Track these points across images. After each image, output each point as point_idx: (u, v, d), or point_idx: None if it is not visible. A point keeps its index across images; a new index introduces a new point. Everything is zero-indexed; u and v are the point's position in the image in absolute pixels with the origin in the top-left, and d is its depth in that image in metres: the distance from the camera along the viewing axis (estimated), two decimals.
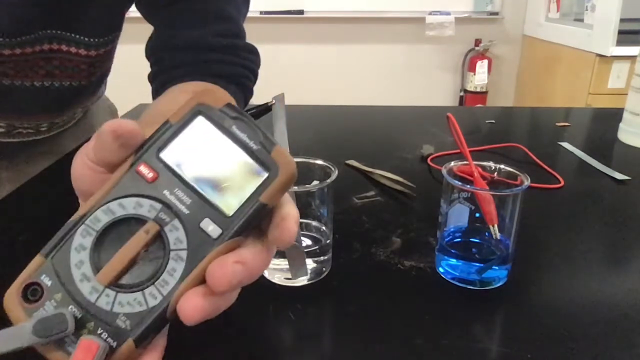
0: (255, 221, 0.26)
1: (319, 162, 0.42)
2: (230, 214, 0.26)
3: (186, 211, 0.26)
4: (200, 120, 0.27)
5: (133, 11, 0.63)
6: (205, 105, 0.27)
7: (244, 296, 0.39)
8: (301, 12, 2.79)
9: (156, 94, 0.62)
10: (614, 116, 0.82)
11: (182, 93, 0.58)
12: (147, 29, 0.65)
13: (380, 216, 0.51)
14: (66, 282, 0.25)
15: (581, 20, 2.36)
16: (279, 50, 2.91)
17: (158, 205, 0.26)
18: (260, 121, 0.67)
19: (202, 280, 0.25)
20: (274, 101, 0.48)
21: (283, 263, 0.39)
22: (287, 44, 2.91)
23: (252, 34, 0.69)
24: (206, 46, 0.62)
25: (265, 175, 0.26)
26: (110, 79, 0.76)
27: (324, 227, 0.42)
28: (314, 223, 0.42)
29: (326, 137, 0.80)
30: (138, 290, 0.25)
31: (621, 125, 0.77)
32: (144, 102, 0.81)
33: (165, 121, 0.27)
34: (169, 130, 0.27)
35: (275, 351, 0.33)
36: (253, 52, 0.66)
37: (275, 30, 2.87)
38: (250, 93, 0.67)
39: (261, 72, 0.70)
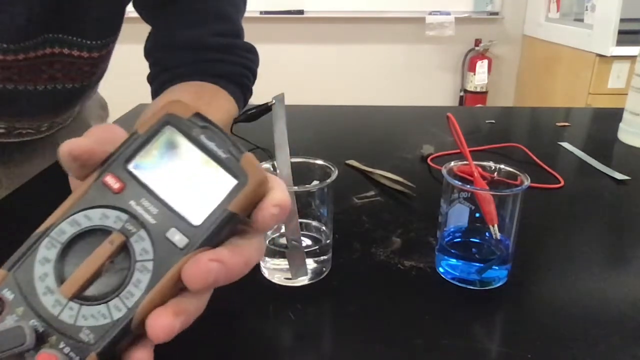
0: (225, 231, 0.26)
1: (319, 162, 0.42)
2: (198, 224, 0.25)
3: (152, 221, 0.26)
4: (168, 130, 0.27)
5: (132, 11, 0.63)
6: (174, 115, 0.27)
7: (244, 296, 0.39)
8: (301, 12, 2.79)
9: (156, 94, 0.62)
10: (614, 116, 0.82)
11: (182, 92, 0.58)
12: (146, 29, 0.65)
13: (380, 216, 0.51)
14: (29, 295, 0.24)
15: (581, 20, 2.36)
16: (279, 50, 2.91)
17: (124, 216, 0.26)
18: (260, 121, 0.67)
19: (168, 291, 0.25)
20: (274, 101, 0.48)
21: (283, 263, 0.39)
22: (287, 44, 2.91)
23: (252, 34, 0.70)
24: (205, 46, 0.62)
25: (234, 183, 0.26)
26: (110, 79, 0.76)
27: (324, 227, 0.42)
28: (314, 223, 0.42)
29: (326, 137, 0.80)
30: (102, 303, 0.24)
31: (621, 125, 0.77)
32: (143, 102, 0.81)
33: (134, 132, 0.27)
34: (137, 141, 0.27)
35: (275, 351, 0.33)
36: (252, 52, 0.66)
37: (275, 30, 2.87)
38: (249, 92, 0.67)
39: (261, 72, 0.70)
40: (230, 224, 0.26)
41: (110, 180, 0.26)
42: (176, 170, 0.26)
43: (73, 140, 0.26)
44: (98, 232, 0.25)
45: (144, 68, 0.65)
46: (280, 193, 0.27)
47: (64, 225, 0.26)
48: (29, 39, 0.50)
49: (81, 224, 0.26)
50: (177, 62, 0.62)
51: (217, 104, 0.59)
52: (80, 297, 0.24)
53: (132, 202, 0.26)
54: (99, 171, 0.26)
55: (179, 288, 0.25)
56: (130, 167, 0.26)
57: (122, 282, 0.25)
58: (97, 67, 0.61)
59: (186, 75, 0.61)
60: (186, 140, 0.27)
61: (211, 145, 0.26)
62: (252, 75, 0.67)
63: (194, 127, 0.27)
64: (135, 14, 0.63)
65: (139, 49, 0.65)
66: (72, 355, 0.23)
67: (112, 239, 0.25)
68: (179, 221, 0.25)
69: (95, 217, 0.26)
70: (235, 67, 0.64)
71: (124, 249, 0.25)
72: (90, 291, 0.25)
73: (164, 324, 0.24)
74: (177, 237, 0.25)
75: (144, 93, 0.67)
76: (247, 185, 0.26)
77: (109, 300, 0.24)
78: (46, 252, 0.25)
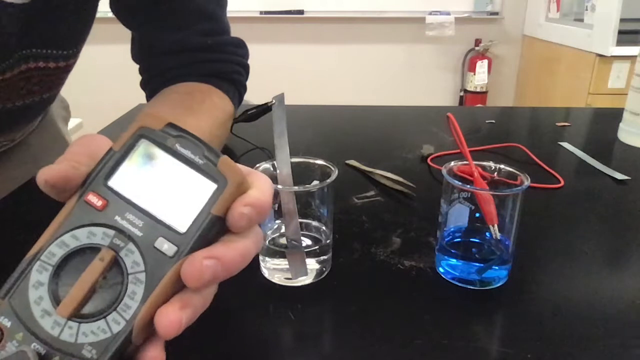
0: (211, 234, 0.26)
1: (319, 162, 0.42)
2: (184, 231, 0.26)
3: (139, 233, 0.26)
4: (143, 143, 0.28)
5: None
6: (147, 128, 0.27)
7: (244, 296, 0.39)
8: (301, 12, 2.79)
9: (149, 100, 0.61)
10: (614, 116, 0.82)
11: (174, 95, 0.58)
12: None
13: (380, 216, 0.51)
14: (26, 320, 0.25)
15: (581, 20, 2.36)
16: (279, 50, 2.91)
17: (111, 232, 0.26)
18: (260, 121, 0.67)
19: (163, 299, 0.26)
20: (274, 101, 0.48)
21: (283, 263, 0.39)
22: (287, 44, 2.91)
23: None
24: (192, 48, 0.61)
25: (214, 187, 0.26)
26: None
27: (324, 227, 0.42)
28: (314, 223, 0.42)
29: (326, 137, 0.80)
30: (101, 318, 0.25)
31: (621, 125, 0.77)
32: (142, 102, 0.81)
33: (109, 149, 0.27)
34: (114, 157, 0.27)
35: (275, 351, 0.33)
36: (241, 46, 0.66)
37: (275, 30, 2.87)
38: (244, 88, 0.67)
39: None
40: (216, 227, 0.26)
41: (92, 198, 0.27)
42: (156, 181, 0.27)
43: (47, 168, 0.26)
44: (87, 250, 0.26)
45: None
46: (255, 192, 0.27)
47: (52, 247, 0.26)
48: (5, 59, 0.48)
49: (69, 245, 0.26)
50: (166, 66, 0.61)
51: (211, 102, 0.58)
52: (77, 315, 0.25)
53: (117, 217, 0.27)
54: (80, 191, 0.27)
55: (174, 294, 0.26)
56: (110, 183, 0.27)
57: (117, 296, 0.25)
58: (69, 73, 0.59)
59: (177, 78, 0.60)
60: (162, 151, 0.27)
61: (187, 152, 0.27)
62: (245, 70, 0.66)
63: (168, 137, 0.27)
64: None
65: None
66: None
67: (102, 256, 0.26)
68: (166, 230, 0.26)
69: (82, 237, 0.26)
70: (226, 65, 0.64)
71: (115, 263, 0.26)
72: (87, 309, 0.25)
73: (172, 318, 0.25)
74: (166, 246, 0.26)
75: (143, 92, 0.67)
76: (227, 187, 0.26)
77: (106, 315, 0.25)
78: (38, 276, 0.26)
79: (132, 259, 0.26)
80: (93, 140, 0.29)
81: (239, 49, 0.65)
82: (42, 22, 0.48)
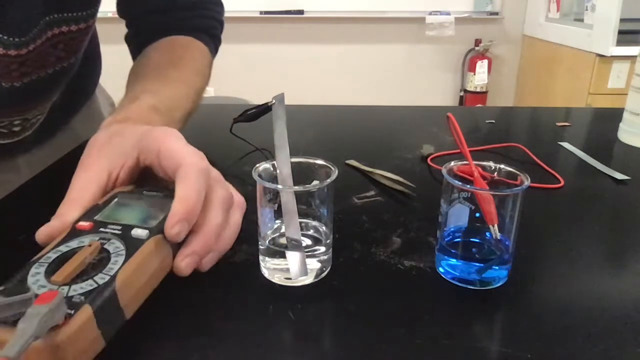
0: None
1: (319, 162, 0.42)
2: (153, 225, 0.35)
3: (120, 232, 0.35)
4: (119, 195, 0.39)
5: None
6: (120, 190, 0.40)
7: (244, 296, 0.39)
8: (301, 12, 2.79)
9: (133, 56, 0.68)
10: (614, 116, 0.82)
11: (155, 51, 0.63)
12: None
13: (380, 216, 0.51)
14: (23, 292, 0.29)
15: (581, 20, 2.37)
16: (279, 50, 2.91)
17: (97, 236, 0.34)
18: (260, 121, 0.67)
19: (143, 260, 0.33)
20: (274, 101, 0.48)
21: (283, 263, 0.39)
22: (287, 44, 2.91)
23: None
24: (176, 5, 0.67)
25: (170, 201, 0.36)
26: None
27: (324, 227, 0.42)
28: (314, 223, 0.42)
29: (326, 137, 0.80)
30: (89, 279, 0.30)
31: (621, 125, 0.77)
32: None
33: (95, 204, 0.38)
34: (97, 206, 0.38)
35: (275, 351, 0.33)
36: (218, 4, 0.73)
37: (275, 30, 2.87)
38: (219, 41, 0.74)
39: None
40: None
41: (81, 224, 0.35)
42: (129, 209, 0.38)
43: (43, 228, 0.36)
44: (78, 250, 0.33)
45: None
46: (176, 205, 0.36)
47: (49, 254, 0.33)
48: (34, 26, 0.51)
49: (63, 250, 0.33)
50: (152, 23, 0.67)
51: (191, 54, 0.65)
52: (68, 283, 0.30)
53: (101, 229, 0.35)
54: (72, 225, 0.36)
55: (155, 258, 0.34)
56: (95, 217, 0.36)
57: (103, 266, 0.31)
58: (88, 35, 0.63)
59: (162, 33, 0.66)
60: (134, 194, 0.40)
61: (151, 190, 0.40)
62: (220, 25, 0.74)
63: (137, 188, 0.41)
64: None
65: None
66: (68, 311, 0.28)
67: (90, 244, 0.33)
68: (139, 226, 0.35)
69: (73, 244, 0.34)
70: (207, 21, 0.70)
71: (102, 251, 0.33)
72: (77, 278, 0.30)
73: (181, 264, 0.36)
74: (140, 232, 0.34)
75: None
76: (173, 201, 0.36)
77: (94, 276, 0.31)
78: (36, 270, 0.31)
79: (115, 245, 0.33)
80: (88, 187, 0.39)
81: (217, 7, 0.73)
82: None
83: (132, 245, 0.33)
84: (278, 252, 0.40)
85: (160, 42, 0.65)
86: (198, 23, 0.69)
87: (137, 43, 0.68)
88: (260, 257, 0.41)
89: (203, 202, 0.37)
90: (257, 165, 0.41)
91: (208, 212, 0.38)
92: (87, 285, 0.30)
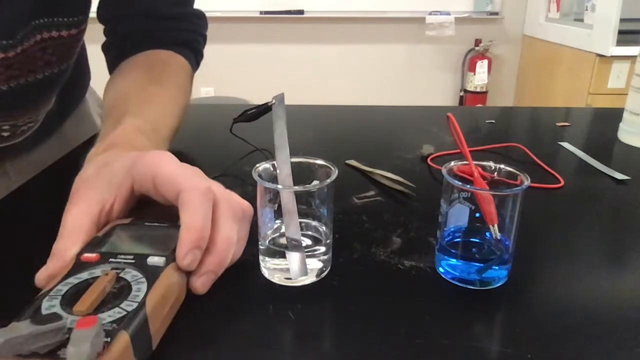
0: None
1: (319, 162, 0.42)
2: (167, 253, 0.35)
3: (133, 261, 0.34)
4: (119, 227, 0.38)
5: None
6: (119, 222, 0.39)
7: (244, 296, 0.39)
8: (301, 12, 2.79)
9: (112, 66, 0.66)
10: (614, 116, 0.82)
11: (134, 66, 0.62)
12: None
13: (380, 216, 0.51)
14: (53, 321, 0.28)
15: (581, 20, 2.37)
16: (279, 50, 2.91)
17: (108, 266, 0.33)
18: (260, 121, 0.67)
19: (165, 287, 0.32)
20: (274, 101, 0.48)
21: (283, 263, 0.39)
22: (287, 44, 2.91)
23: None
24: (158, 15, 0.65)
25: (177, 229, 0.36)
26: (102, 80, 0.78)
27: (324, 227, 0.42)
28: (314, 223, 0.42)
29: (326, 137, 0.80)
30: (114, 307, 0.30)
31: (621, 125, 0.77)
32: None
33: (94, 237, 0.36)
34: (97, 237, 0.36)
35: (275, 351, 0.33)
36: (201, 18, 0.72)
37: (275, 30, 2.87)
38: (201, 56, 0.73)
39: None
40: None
41: (86, 256, 0.34)
42: (134, 240, 0.37)
43: (45, 269, 0.34)
44: (91, 281, 0.31)
45: None
46: (186, 235, 0.35)
47: (58, 287, 0.31)
48: (22, 27, 0.50)
49: (73, 282, 0.32)
50: (131, 32, 0.65)
51: (171, 70, 0.64)
52: (92, 313, 0.29)
53: (111, 259, 0.34)
54: (74, 258, 0.35)
55: (173, 282, 0.34)
56: (99, 249, 0.35)
57: (125, 294, 0.31)
58: (80, 42, 0.62)
59: (141, 45, 0.64)
60: (136, 225, 0.39)
61: (152, 222, 0.39)
62: (203, 40, 0.73)
63: (136, 220, 0.39)
64: None
65: None
66: (105, 339, 0.27)
67: (105, 273, 0.32)
68: (155, 254, 0.34)
69: (84, 275, 0.32)
70: (188, 34, 0.69)
71: (118, 280, 0.32)
72: (100, 307, 0.29)
73: (197, 283, 0.36)
74: (157, 259, 0.34)
75: None
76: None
77: (120, 304, 0.30)
78: (49, 303, 0.30)
79: (132, 273, 0.33)
80: (82, 227, 0.37)
81: (201, 21, 0.72)
82: None
83: (151, 273, 0.32)
84: (278, 252, 0.40)
85: (138, 56, 0.63)
86: (180, 36, 0.67)
87: (115, 52, 0.66)
88: (260, 257, 0.41)
89: (211, 222, 0.36)
90: (257, 165, 0.41)
91: (218, 232, 0.37)
92: (115, 313, 0.29)
